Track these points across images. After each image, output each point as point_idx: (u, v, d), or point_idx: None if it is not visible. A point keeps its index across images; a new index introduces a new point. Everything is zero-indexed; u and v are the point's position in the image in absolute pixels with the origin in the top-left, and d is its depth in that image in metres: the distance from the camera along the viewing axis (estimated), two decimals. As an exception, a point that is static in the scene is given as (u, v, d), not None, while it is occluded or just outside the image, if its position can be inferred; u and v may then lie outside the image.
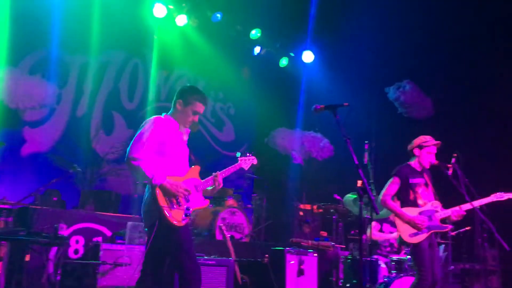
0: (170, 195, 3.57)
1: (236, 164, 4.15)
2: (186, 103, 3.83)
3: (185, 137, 3.91)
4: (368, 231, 5.28)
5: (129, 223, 5.77)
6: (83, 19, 7.90)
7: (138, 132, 3.69)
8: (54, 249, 5.22)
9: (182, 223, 3.58)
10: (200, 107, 3.86)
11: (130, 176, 8.18)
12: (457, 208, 4.83)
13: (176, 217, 3.55)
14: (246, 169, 4.22)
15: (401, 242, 4.83)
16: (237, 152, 4.31)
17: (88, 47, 8.11)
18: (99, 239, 5.76)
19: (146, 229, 3.72)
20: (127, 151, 3.60)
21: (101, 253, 5.34)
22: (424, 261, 4.62)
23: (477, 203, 4.86)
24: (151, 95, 9.10)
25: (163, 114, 3.89)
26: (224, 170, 4.02)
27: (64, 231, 5.29)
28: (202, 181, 3.86)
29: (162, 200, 3.54)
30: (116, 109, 8.71)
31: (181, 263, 3.56)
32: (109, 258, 5.39)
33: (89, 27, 7.97)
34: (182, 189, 3.61)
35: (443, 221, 4.84)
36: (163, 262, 3.66)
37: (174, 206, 3.57)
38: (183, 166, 3.81)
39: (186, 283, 3.55)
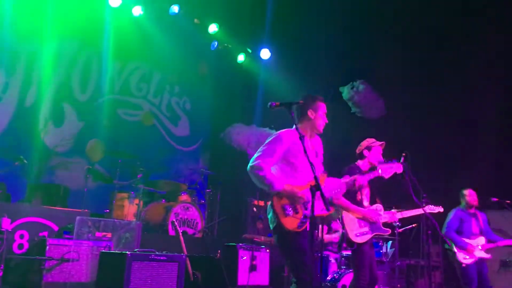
0: (286, 202, 3.71)
1: (374, 171, 4.40)
2: (316, 109, 3.97)
3: (316, 145, 4.04)
4: (321, 227, 5.40)
5: (78, 218, 5.63)
6: (36, 6, 7.60)
7: (266, 143, 3.83)
8: (-4, 244, 5.02)
9: (298, 230, 3.71)
10: (325, 107, 4.04)
11: (80, 170, 7.97)
12: (393, 212, 5.18)
13: (291, 223, 3.69)
14: (387, 177, 4.43)
15: (347, 240, 4.96)
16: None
17: (39, 35, 7.81)
18: (45, 234, 5.57)
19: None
20: (251, 160, 3.77)
21: (47, 248, 5.17)
22: (364, 261, 4.83)
23: (408, 213, 5.35)
24: (105, 86, 8.87)
25: (294, 127, 3.92)
26: (363, 176, 4.33)
27: (8, 225, 5.10)
28: (327, 188, 3.97)
29: (278, 207, 3.70)
30: (67, 100, 8.43)
31: (298, 265, 3.67)
32: (56, 253, 5.23)
33: (42, 14, 7.68)
34: (298, 196, 3.72)
35: (384, 224, 5.08)
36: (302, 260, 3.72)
37: (289, 213, 3.71)
38: (306, 173, 3.85)
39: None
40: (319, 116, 4.00)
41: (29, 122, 7.84)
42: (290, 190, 3.73)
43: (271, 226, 3.85)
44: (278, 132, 3.95)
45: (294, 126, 3.92)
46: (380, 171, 4.53)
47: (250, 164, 3.78)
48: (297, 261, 3.67)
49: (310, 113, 3.97)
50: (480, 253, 6.30)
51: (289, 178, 3.81)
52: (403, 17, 8.85)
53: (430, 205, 5.40)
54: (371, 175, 4.43)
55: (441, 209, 5.57)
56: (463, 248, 6.32)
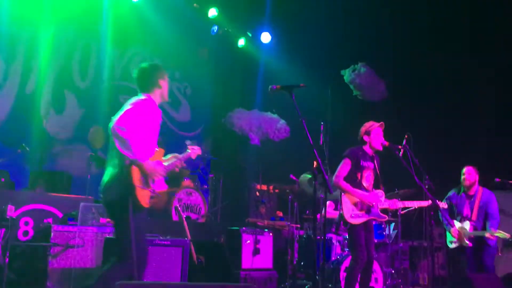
0: (144, 175, 3.57)
1: (187, 153, 4.15)
2: (164, 76, 3.92)
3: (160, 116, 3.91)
4: (324, 210, 5.43)
5: (82, 204, 5.64)
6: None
7: (129, 107, 3.64)
8: (2, 231, 5.05)
9: (148, 205, 3.63)
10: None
11: (82, 157, 7.97)
12: (395, 200, 5.17)
13: (144, 198, 3.59)
14: (194, 158, 4.22)
15: (343, 220, 5.01)
16: (187, 141, 4.32)
17: (38, 22, 7.76)
18: (50, 220, 5.60)
19: (104, 203, 3.69)
20: (112, 120, 3.53)
21: (52, 234, 5.20)
22: (360, 241, 4.91)
23: (411, 203, 5.26)
24: (105, 73, 8.83)
25: (140, 94, 3.85)
26: (182, 156, 4.07)
27: (13, 213, 5.12)
28: (165, 165, 3.88)
29: (136, 179, 3.53)
30: (67, 87, 8.40)
31: (129, 243, 3.54)
32: (61, 239, 5.26)
33: (40, 0, 7.61)
34: (159, 172, 3.63)
35: (383, 210, 5.11)
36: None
37: (144, 187, 3.59)
38: (154, 146, 3.82)
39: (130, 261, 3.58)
40: (166, 83, 3.95)
41: (30, 109, 7.83)
42: (154, 164, 3.58)
43: (112, 196, 3.56)
44: (142, 98, 3.78)
45: (142, 95, 3.82)
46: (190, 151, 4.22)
47: (113, 124, 3.51)
48: (130, 240, 3.49)
49: (160, 81, 3.90)
50: (463, 239, 5.87)
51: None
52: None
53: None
54: (185, 156, 4.13)
55: (445, 206, 5.47)
56: (449, 230, 6.01)
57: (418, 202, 5.25)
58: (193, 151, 4.17)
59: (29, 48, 7.90)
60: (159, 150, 3.85)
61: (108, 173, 3.64)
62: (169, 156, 4.03)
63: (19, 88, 7.81)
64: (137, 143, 3.52)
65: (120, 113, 3.59)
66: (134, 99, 3.77)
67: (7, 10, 7.35)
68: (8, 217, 5.01)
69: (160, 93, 3.91)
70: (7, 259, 4.90)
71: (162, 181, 3.81)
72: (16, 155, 6.53)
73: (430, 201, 5.11)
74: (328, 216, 6.38)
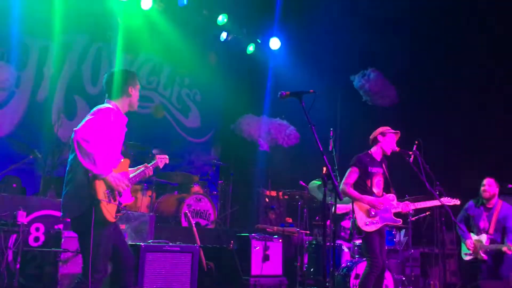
0: (109, 188, 3.45)
1: (155, 162, 4.10)
2: (135, 84, 3.82)
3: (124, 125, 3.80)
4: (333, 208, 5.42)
5: (92, 210, 5.65)
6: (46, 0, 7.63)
7: (90, 117, 3.47)
8: (13, 237, 5.09)
9: (115, 219, 3.53)
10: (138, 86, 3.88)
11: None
12: (406, 203, 5.10)
13: (110, 212, 3.46)
14: (161, 167, 4.15)
15: (356, 228, 4.97)
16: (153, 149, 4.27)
17: (49, 29, 7.84)
18: (61, 226, 5.63)
19: (66, 217, 3.55)
20: (75, 131, 3.34)
21: (62, 240, 5.23)
22: (375, 249, 4.88)
23: (423, 204, 5.17)
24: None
25: (105, 101, 3.73)
26: (150, 165, 3.99)
27: (24, 219, 5.16)
28: (131, 176, 3.80)
29: (100, 193, 3.39)
30: (78, 94, 8.49)
31: (97, 259, 3.48)
32: (71, 245, 5.28)
33: (51, 8, 7.71)
34: (124, 184, 3.50)
35: (396, 214, 5.05)
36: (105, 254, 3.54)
37: (111, 201, 3.46)
38: (118, 157, 3.69)
39: (122, 271, 3.63)
40: (137, 92, 3.82)
41: (42, 115, 7.92)
42: (116, 177, 3.45)
43: (75, 210, 3.41)
44: (103, 107, 3.59)
45: (106, 103, 3.68)
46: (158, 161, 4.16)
47: (76, 136, 3.31)
48: (99, 255, 3.44)
49: (130, 90, 3.77)
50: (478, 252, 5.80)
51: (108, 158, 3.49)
52: (414, 3, 8.73)
53: (446, 197, 5.18)
54: (153, 166, 4.04)
55: (457, 202, 5.29)
56: (464, 242, 5.96)
57: (430, 201, 5.19)
58: (161, 160, 4.11)
59: (41, 56, 8.00)
60: (124, 161, 3.71)
61: (69, 185, 3.48)
62: (139, 166, 3.95)
63: (31, 94, 7.90)
64: (101, 156, 3.37)
65: (82, 123, 3.41)
66: (95, 108, 3.60)
67: (18, 19, 7.44)
68: (19, 223, 5.05)
69: (129, 102, 3.79)
70: (18, 265, 4.94)
71: (128, 194, 3.70)
72: (27, 161, 6.60)
73: (441, 199, 5.08)
74: (337, 211, 6.34)
